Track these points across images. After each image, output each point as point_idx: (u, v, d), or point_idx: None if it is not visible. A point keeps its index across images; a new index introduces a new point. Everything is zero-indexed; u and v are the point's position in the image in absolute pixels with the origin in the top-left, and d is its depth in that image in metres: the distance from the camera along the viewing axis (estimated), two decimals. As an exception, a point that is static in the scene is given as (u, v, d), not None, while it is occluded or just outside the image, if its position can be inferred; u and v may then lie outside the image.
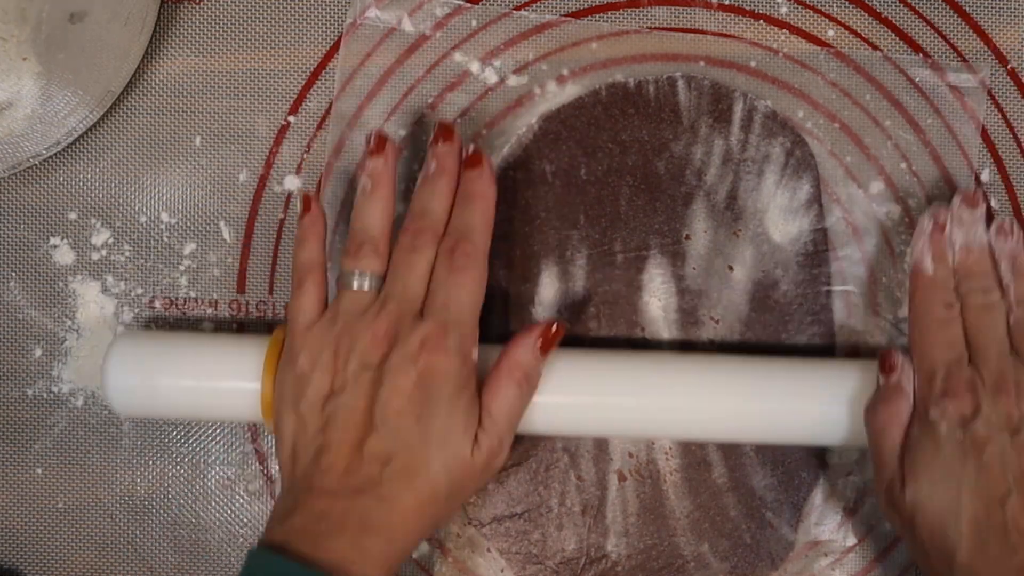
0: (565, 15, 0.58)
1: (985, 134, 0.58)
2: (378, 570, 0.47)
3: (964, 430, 0.48)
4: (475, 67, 0.58)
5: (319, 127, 0.59)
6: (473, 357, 0.50)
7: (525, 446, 0.58)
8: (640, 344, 0.58)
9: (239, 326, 0.59)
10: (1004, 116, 0.58)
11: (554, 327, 0.51)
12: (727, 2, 0.58)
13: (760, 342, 0.57)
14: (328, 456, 0.48)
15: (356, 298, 0.51)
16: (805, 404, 0.53)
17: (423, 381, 0.48)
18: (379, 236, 0.52)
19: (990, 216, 0.55)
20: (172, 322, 0.59)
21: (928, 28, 0.58)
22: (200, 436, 0.59)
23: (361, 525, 0.47)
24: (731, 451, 0.57)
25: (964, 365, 0.50)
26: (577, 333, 0.58)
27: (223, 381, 0.53)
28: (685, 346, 0.58)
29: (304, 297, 0.52)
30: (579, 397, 0.53)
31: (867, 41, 0.58)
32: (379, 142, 0.52)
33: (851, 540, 0.57)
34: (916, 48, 0.58)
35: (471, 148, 0.53)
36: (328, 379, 0.49)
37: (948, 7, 0.58)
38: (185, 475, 0.59)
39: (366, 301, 0.51)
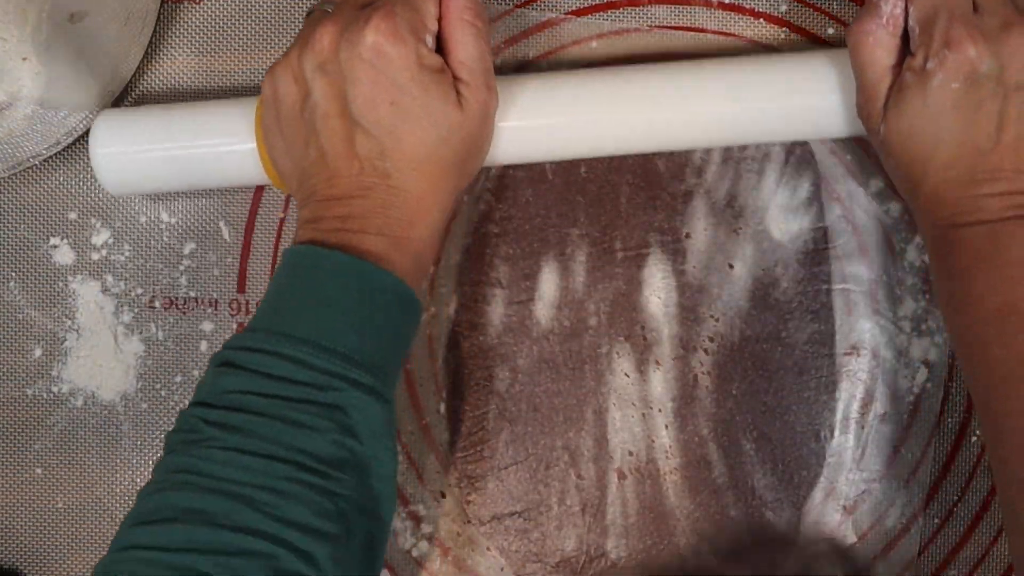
0: (566, 13, 0.58)
1: (985, 131, 0.58)
2: (411, 260, 0.48)
3: (962, 84, 0.47)
4: (475, 66, 0.58)
5: (319, 126, 0.59)
6: (428, 42, 0.48)
7: (525, 444, 0.58)
8: (639, 339, 0.58)
9: (239, 326, 0.59)
10: (1004, 113, 0.58)
11: None
12: (727, 0, 0.58)
13: (759, 339, 0.57)
14: (328, 164, 0.48)
15: (319, 14, 0.50)
16: (792, 98, 0.53)
17: (380, 68, 0.47)
18: None
19: None
20: (172, 322, 0.59)
21: (928, 26, 0.58)
22: (200, 436, 0.59)
23: (383, 218, 0.47)
24: (731, 450, 0.57)
25: (969, 11, 0.47)
26: (577, 330, 0.58)
27: (220, 144, 0.54)
28: (685, 341, 0.58)
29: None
30: (553, 118, 0.53)
31: (867, 39, 0.58)
32: None
33: (851, 538, 0.57)
34: (916, 46, 0.58)
35: None
36: (294, 87, 0.49)
37: (948, 5, 0.58)
38: (185, 475, 0.59)
39: (321, 18, 0.50)
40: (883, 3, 0.49)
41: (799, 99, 0.53)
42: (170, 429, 0.45)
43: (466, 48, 0.49)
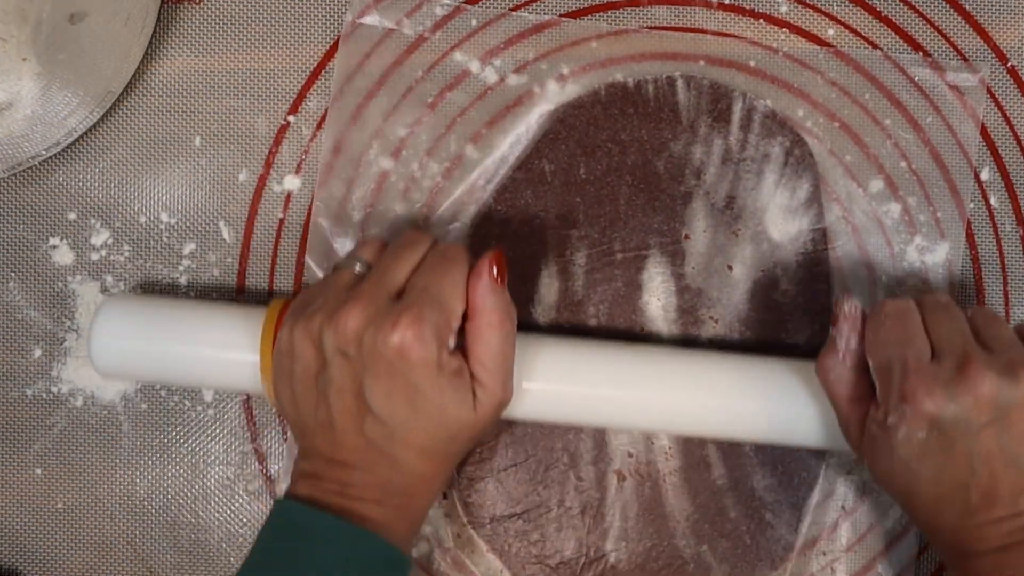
0: (564, 14, 0.58)
1: (985, 132, 0.58)
2: (403, 525, 0.49)
3: (927, 433, 0.46)
4: (475, 66, 0.58)
5: (319, 127, 0.59)
6: (451, 343, 0.48)
7: (525, 446, 0.58)
8: (639, 339, 0.58)
9: (239, 326, 0.59)
10: (1004, 114, 0.58)
11: (494, 256, 0.49)
12: (727, 1, 0.58)
13: (760, 341, 0.57)
14: (336, 433, 0.48)
15: (341, 275, 0.51)
16: (802, 406, 0.53)
17: (400, 366, 0.47)
18: (381, 242, 0.53)
19: None
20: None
21: (928, 27, 0.58)
22: (200, 436, 0.59)
23: (384, 491, 0.48)
24: (730, 451, 0.57)
25: (924, 359, 0.47)
26: (576, 332, 0.58)
27: (222, 350, 0.53)
28: (685, 342, 0.58)
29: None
30: (571, 386, 0.53)
31: (867, 40, 0.58)
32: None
33: (850, 540, 0.57)
34: (916, 47, 0.58)
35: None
36: (313, 353, 0.49)
37: (948, 6, 0.58)
38: (185, 475, 0.59)
39: (351, 280, 0.50)
40: (839, 337, 0.50)
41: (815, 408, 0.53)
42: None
43: (488, 349, 0.49)
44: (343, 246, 0.58)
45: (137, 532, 0.59)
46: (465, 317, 0.49)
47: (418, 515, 0.51)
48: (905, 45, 0.58)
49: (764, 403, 0.53)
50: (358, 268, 0.51)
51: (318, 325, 0.48)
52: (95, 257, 0.59)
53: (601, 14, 0.58)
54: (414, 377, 0.47)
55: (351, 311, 0.47)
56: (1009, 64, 0.58)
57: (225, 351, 0.53)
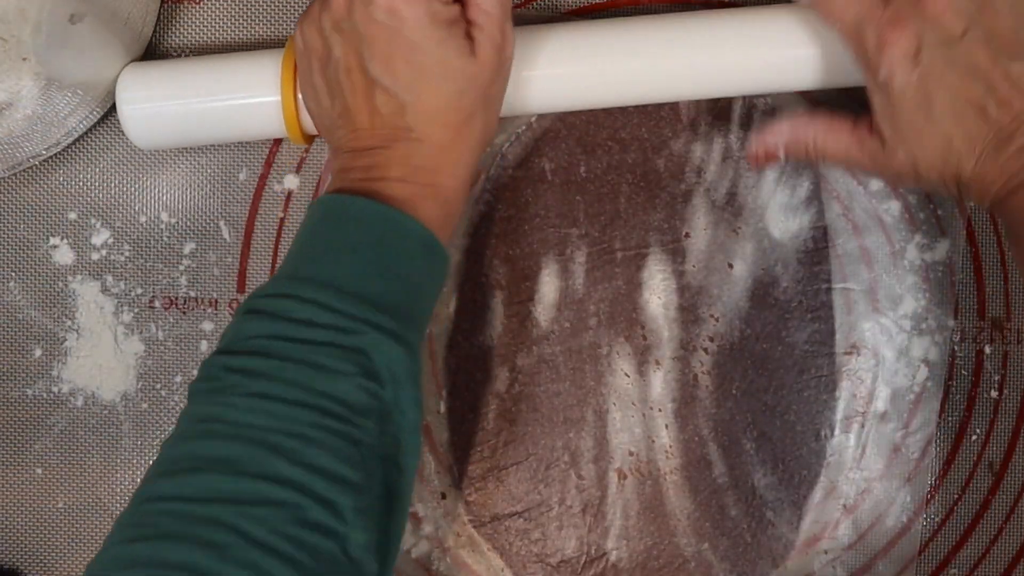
0: (566, 12, 0.58)
1: (985, 131, 0.58)
2: (438, 208, 0.48)
3: (918, 71, 0.46)
4: (474, 66, 0.58)
5: (319, 126, 0.59)
6: None
7: (526, 445, 0.58)
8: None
9: (239, 326, 0.59)
10: (1004, 112, 0.58)
11: None
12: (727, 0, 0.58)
13: (760, 339, 0.57)
14: (352, 118, 0.49)
15: None
16: (807, 46, 0.52)
17: (393, 27, 0.47)
18: None
19: None
20: (172, 322, 0.59)
21: (927, 25, 0.58)
22: (200, 436, 0.59)
23: (409, 168, 0.48)
24: (731, 450, 0.57)
25: (879, 5, 0.47)
26: (577, 331, 0.58)
27: (247, 96, 0.54)
28: (685, 341, 0.58)
29: None
30: (572, 67, 0.54)
31: (866, 38, 0.58)
32: None
33: (851, 537, 0.57)
34: (916, 45, 0.58)
35: None
36: (319, 41, 0.49)
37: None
38: (185, 475, 0.59)
39: None
40: None
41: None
42: (194, 379, 0.44)
43: None
44: (343, 245, 0.58)
45: (138, 532, 0.59)
46: None
47: (449, 198, 0.49)
48: (905, 43, 0.58)
49: (771, 49, 0.53)
50: None
51: (317, 11, 0.49)
52: (95, 257, 0.59)
53: (601, 12, 0.58)
54: (408, 33, 0.47)
55: None
56: (1009, 62, 0.58)
57: (250, 95, 0.54)
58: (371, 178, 0.47)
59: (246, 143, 0.59)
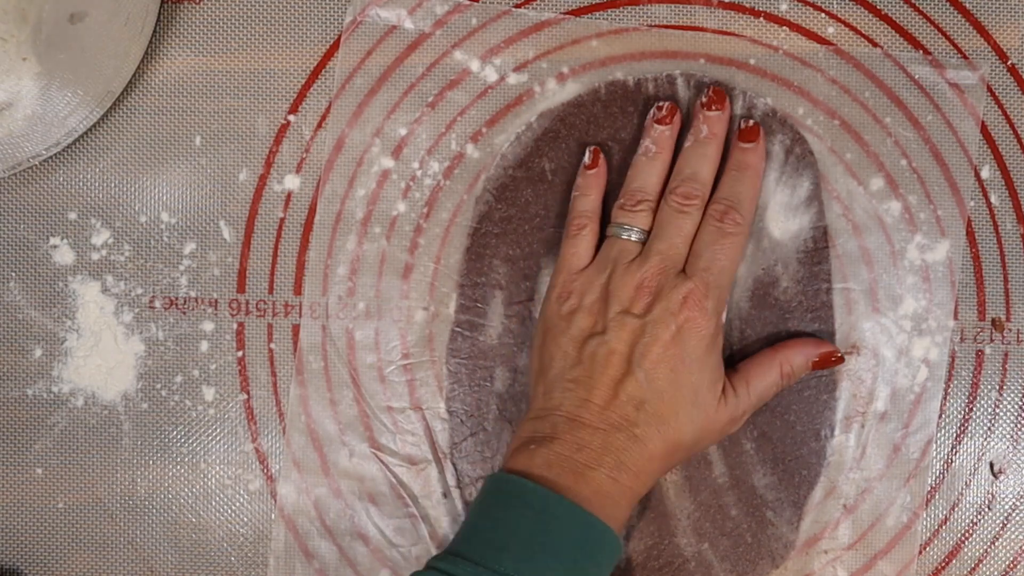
0: (565, 12, 0.58)
1: (985, 131, 0.58)
2: (625, 505, 0.51)
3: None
4: (475, 65, 0.59)
5: (319, 126, 0.59)
6: (722, 320, 0.54)
7: (525, 445, 0.58)
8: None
9: (239, 326, 0.59)
10: (1004, 113, 0.58)
11: (834, 358, 0.56)
12: None
13: (760, 339, 0.57)
14: (588, 391, 0.51)
15: (625, 248, 0.54)
16: None
17: (680, 336, 0.51)
18: (654, 196, 0.55)
19: None
20: (172, 322, 0.59)
21: (928, 25, 0.58)
22: (200, 436, 0.59)
23: (616, 461, 0.50)
24: (731, 449, 0.57)
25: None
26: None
27: None
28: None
29: (581, 242, 0.55)
30: None
31: (867, 38, 0.58)
32: (670, 110, 0.56)
33: (851, 537, 0.57)
34: (916, 45, 0.58)
35: (750, 122, 0.56)
36: (592, 320, 0.52)
37: (948, 4, 0.58)
38: (185, 475, 0.59)
39: (634, 252, 0.54)
40: None
41: None
42: None
43: (761, 382, 0.55)
44: (344, 245, 0.58)
45: (138, 532, 0.59)
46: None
47: (632, 504, 0.52)
48: (905, 43, 0.58)
49: None
50: (634, 238, 0.54)
51: (610, 295, 0.52)
52: (96, 257, 0.59)
53: (601, 12, 0.58)
54: (689, 344, 0.51)
55: (640, 281, 0.52)
56: (1009, 62, 0.58)
57: None
58: (580, 460, 0.50)
59: (246, 143, 0.59)
